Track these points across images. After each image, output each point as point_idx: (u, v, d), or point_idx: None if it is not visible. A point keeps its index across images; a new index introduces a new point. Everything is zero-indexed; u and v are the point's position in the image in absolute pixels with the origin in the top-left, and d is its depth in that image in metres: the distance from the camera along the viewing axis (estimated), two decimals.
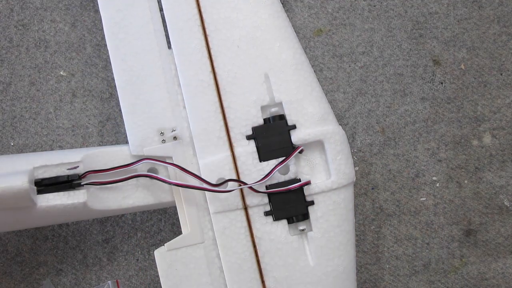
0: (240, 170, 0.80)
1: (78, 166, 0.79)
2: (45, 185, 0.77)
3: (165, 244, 0.79)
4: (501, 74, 0.97)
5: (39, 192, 0.77)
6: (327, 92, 0.97)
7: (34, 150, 0.95)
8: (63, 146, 0.95)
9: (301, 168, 0.81)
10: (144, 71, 0.82)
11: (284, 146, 0.80)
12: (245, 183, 0.78)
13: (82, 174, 0.78)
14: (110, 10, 0.84)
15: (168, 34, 0.84)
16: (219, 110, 0.81)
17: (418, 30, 0.98)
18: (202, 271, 0.80)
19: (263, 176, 0.79)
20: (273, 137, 0.80)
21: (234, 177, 0.79)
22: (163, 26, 0.84)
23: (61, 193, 0.77)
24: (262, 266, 0.79)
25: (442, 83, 0.97)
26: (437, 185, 0.95)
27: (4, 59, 0.97)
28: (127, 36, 0.83)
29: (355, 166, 0.95)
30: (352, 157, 0.95)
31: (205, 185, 0.78)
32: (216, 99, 0.81)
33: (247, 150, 0.80)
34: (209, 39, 0.82)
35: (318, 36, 0.98)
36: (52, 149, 0.95)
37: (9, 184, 0.72)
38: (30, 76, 0.97)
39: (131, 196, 0.81)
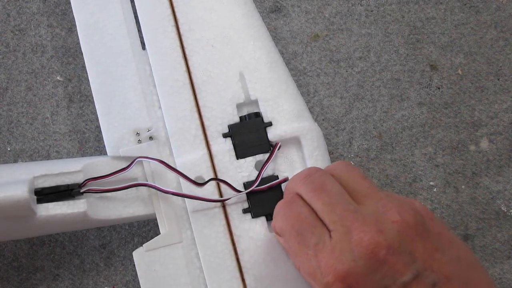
0: (217, 168, 0.80)
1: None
2: (45, 195, 0.77)
3: (143, 245, 0.79)
4: (498, 79, 0.97)
5: (39, 201, 0.77)
6: (324, 97, 0.97)
7: (31, 155, 0.95)
8: (60, 151, 0.95)
9: (278, 165, 0.81)
10: (119, 72, 0.83)
11: (261, 143, 0.80)
12: (237, 190, 0.78)
13: (82, 183, 0.78)
14: (84, 12, 0.84)
15: (142, 35, 0.84)
16: (194, 109, 0.81)
17: (415, 35, 0.98)
18: (181, 271, 0.79)
19: (245, 176, 0.80)
20: (250, 134, 0.80)
21: (212, 174, 0.79)
22: (137, 27, 0.84)
23: (61, 202, 0.77)
24: (242, 264, 0.78)
25: (439, 88, 0.97)
26: (435, 190, 0.95)
27: (0, 64, 0.97)
28: (101, 38, 0.83)
29: None
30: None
31: (198, 193, 0.78)
32: (192, 98, 0.81)
33: (223, 148, 0.80)
34: (183, 39, 0.82)
35: (315, 41, 0.98)
36: (49, 154, 0.95)
37: (9, 193, 0.72)
38: (27, 81, 0.96)
39: (132, 206, 0.80)
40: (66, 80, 0.97)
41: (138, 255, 0.79)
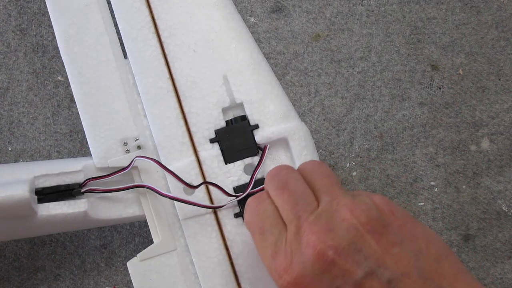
0: (206, 174, 0.79)
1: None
2: (46, 194, 0.77)
3: (137, 255, 0.78)
4: (499, 79, 0.97)
5: (40, 201, 0.76)
6: (325, 97, 0.97)
7: (32, 155, 0.95)
8: (61, 151, 0.95)
9: (266, 167, 0.80)
10: (103, 83, 0.81)
11: (248, 146, 0.79)
12: (230, 194, 0.78)
13: (83, 182, 0.78)
14: (63, 23, 0.83)
15: (123, 44, 0.83)
16: (180, 115, 0.80)
17: (416, 35, 0.99)
18: (177, 278, 0.79)
19: (235, 180, 0.79)
20: (237, 138, 0.79)
21: (201, 181, 0.78)
22: (118, 36, 0.84)
23: (62, 202, 0.77)
24: (236, 268, 0.78)
25: (440, 88, 0.97)
26: (436, 190, 0.95)
27: (2, 64, 0.97)
28: (83, 49, 0.82)
29: (353, 171, 0.96)
30: (350, 162, 0.95)
31: (192, 200, 0.78)
32: (177, 105, 0.80)
33: (211, 153, 0.79)
34: (164, 45, 0.81)
35: (316, 41, 0.98)
36: (49, 154, 0.95)
37: (9, 193, 0.72)
38: (28, 81, 0.96)
39: (132, 206, 0.80)
40: (67, 80, 0.97)
41: (132, 265, 0.78)
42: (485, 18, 0.99)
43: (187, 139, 0.80)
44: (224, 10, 0.82)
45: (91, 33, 0.83)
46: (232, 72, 0.81)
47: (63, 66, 0.97)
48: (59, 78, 0.97)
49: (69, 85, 0.96)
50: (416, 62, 0.98)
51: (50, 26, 0.98)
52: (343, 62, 0.98)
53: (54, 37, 0.98)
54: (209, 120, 0.80)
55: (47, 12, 0.98)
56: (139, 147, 0.80)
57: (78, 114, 0.95)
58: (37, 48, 0.97)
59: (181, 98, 0.81)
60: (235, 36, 0.82)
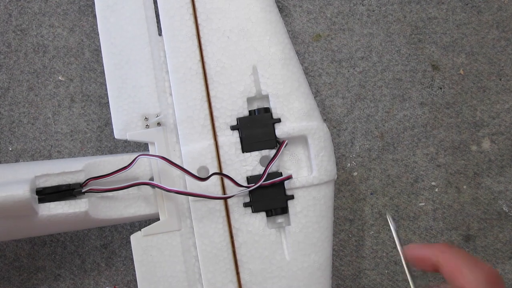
0: (222, 160, 0.80)
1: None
2: (47, 194, 0.77)
3: (141, 230, 0.79)
4: (500, 79, 0.97)
5: (40, 201, 0.77)
6: (326, 97, 0.97)
7: (33, 155, 0.95)
8: (62, 151, 0.95)
9: (283, 162, 0.81)
10: (133, 56, 0.83)
11: (268, 138, 0.81)
12: (241, 185, 0.78)
13: (84, 182, 0.78)
14: None
15: (159, 21, 0.84)
16: (205, 98, 0.81)
17: (417, 35, 0.98)
18: (177, 258, 0.80)
19: (249, 170, 0.80)
20: (257, 129, 0.81)
21: (216, 166, 0.80)
22: (155, 12, 0.85)
23: (63, 202, 0.77)
24: (238, 257, 0.79)
25: (441, 88, 0.97)
26: (436, 190, 0.95)
27: (2, 64, 0.97)
28: (119, 20, 0.84)
29: (354, 172, 0.96)
30: (351, 162, 0.95)
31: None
32: (203, 87, 0.82)
33: (230, 140, 0.80)
34: (200, 28, 0.83)
35: (316, 41, 0.98)
36: (50, 154, 0.95)
37: (10, 193, 0.72)
38: (29, 81, 0.96)
39: (133, 205, 0.81)
40: (68, 80, 0.97)
41: (136, 239, 0.80)
42: (486, 18, 0.99)
43: (208, 122, 0.81)
44: (263, 2, 0.83)
45: (129, 6, 0.84)
46: (262, 63, 0.82)
47: (64, 66, 0.97)
48: (59, 78, 0.96)
49: (69, 85, 0.96)
50: (417, 62, 0.98)
51: (51, 26, 0.98)
52: (343, 62, 0.98)
53: (55, 37, 0.98)
54: (233, 107, 0.81)
55: (48, 12, 0.98)
56: (159, 124, 0.82)
57: (79, 114, 0.95)
58: (38, 48, 0.97)
59: (209, 82, 0.82)
60: (270, 29, 0.83)
